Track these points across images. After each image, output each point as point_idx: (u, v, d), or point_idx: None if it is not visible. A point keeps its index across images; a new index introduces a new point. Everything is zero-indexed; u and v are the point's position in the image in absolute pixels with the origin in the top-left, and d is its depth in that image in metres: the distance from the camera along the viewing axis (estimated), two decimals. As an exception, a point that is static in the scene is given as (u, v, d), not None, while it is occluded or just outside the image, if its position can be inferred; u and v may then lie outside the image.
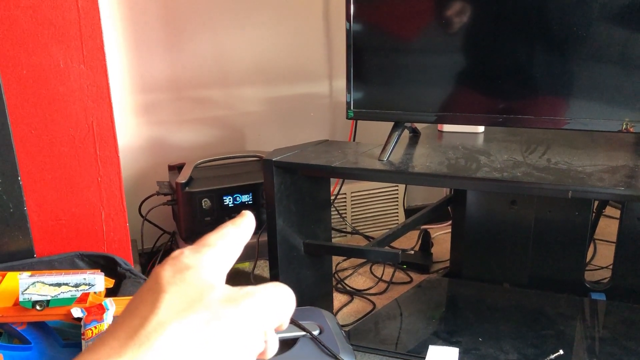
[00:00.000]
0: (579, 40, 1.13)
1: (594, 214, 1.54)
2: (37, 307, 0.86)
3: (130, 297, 0.96)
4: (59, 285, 0.88)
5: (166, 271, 0.30)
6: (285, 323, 0.32)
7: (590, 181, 1.10)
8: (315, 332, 1.09)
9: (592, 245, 1.84)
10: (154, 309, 0.28)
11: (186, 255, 0.31)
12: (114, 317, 0.86)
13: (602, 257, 1.79)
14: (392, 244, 1.83)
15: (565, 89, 1.17)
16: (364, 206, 2.05)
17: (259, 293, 0.31)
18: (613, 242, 1.52)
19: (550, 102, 1.19)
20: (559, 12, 1.14)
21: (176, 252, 0.31)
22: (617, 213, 1.61)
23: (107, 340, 0.27)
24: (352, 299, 1.65)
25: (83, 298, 0.88)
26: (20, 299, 0.86)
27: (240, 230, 0.34)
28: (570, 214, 1.47)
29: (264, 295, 0.31)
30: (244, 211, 0.36)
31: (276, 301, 0.31)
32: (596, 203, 1.62)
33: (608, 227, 1.91)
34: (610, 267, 1.55)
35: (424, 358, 1.24)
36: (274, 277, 1.34)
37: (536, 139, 1.43)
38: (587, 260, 1.66)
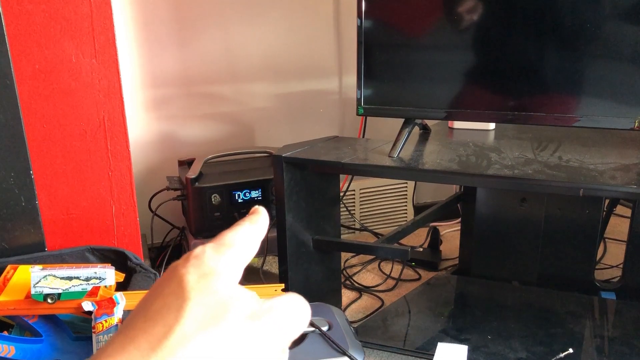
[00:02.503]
0: (591, 37, 1.12)
1: (604, 213, 1.53)
2: (49, 300, 0.87)
3: (141, 291, 0.97)
4: (70, 278, 0.88)
5: (190, 274, 0.29)
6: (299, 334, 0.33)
7: (602, 179, 1.09)
8: (325, 328, 1.09)
9: (602, 244, 1.83)
10: (179, 319, 0.28)
11: (209, 256, 0.30)
12: (124, 310, 0.86)
13: (612, 256, 1.78)
14: (401, 241, 1.83)
15: (576, 86, 1.17)
16: (373, 203, 2.05)
17: (280, 308, 0.31)
18: (624, 241, 1.51)
19: (562, 99, 1.19)
20: (570, 9, 1.13)
21: (198, 251, 0.31)
22: (628, 212, 1.60)
23: (126, 347, 0.27)
24: (361, 295, 1.64)
25: (94, 292, 0.89)
26: (32, 292, 0.87)
27: (257, 228, 0.33)
28: (580, 212, 1.46)
29: (285, 310, 0.31)
30: (257, 207, 0.35)
31: (295, 315, 0.31)
32: (607, 201, 1.61)
33: (619, 226, 1.90)
34: (621, 266, 1.54)
35: (433, 355, 1.24)
36: (283, 273, 1.34)
37: (547, 136, 1.43)
38: (597, 259, 1.65)
